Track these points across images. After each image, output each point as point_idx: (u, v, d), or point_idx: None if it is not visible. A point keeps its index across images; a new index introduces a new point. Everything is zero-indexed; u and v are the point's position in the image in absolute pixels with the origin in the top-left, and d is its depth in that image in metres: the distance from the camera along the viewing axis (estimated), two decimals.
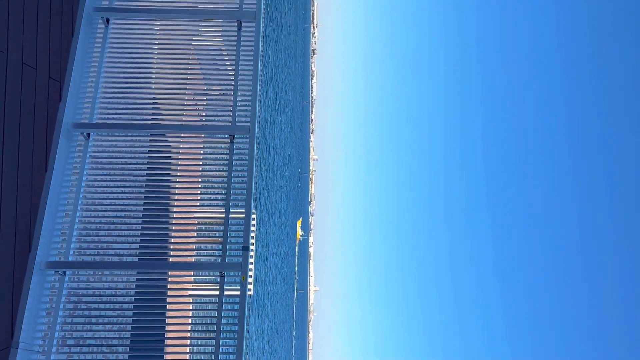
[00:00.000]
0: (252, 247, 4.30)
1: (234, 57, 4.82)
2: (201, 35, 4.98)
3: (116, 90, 4.59)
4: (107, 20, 4.67)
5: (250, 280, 4.17)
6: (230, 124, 4.59)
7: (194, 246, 4.47)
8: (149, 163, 4.56)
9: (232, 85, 4.71)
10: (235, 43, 4.86)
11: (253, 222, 4.38)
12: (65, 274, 4.03)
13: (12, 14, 3.53)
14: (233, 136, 4.52)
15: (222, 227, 4.34)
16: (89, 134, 4.35)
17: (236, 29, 4.88)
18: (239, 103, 4.63)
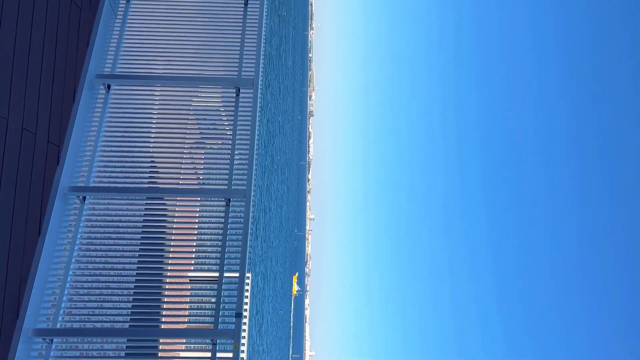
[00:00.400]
0: (245, 313, 4.22)
1: (231, 122, 4.92)
2: (200, 101, 5.10)
3: (114, 153, 4.64)
4: (109, 87, 4.79)
5: (243, 348, 4.06)
6: (226, 187, 4.62)
7: (186, 312, 4.38)
8: (143, 225, 4.56)
9: (229, 149, 4.78)
10: (233, 108, 4.97)
11: (247, 287, 4.32)
12: (52, 342, 3.92)
13: (14, 81, 3.62)
14: (229, 199, 4.54)
15: (215, 292, 4.27)
16: (84, 197, 4.36)
17: (235, 95, 5.01)
18: (235, 167, 4.68)
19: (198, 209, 4.76)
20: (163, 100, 4.98)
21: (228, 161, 4.72)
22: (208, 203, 4.69)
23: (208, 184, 4.82)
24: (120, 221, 4.49)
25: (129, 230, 4.48)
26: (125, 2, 5.26)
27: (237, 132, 4.84)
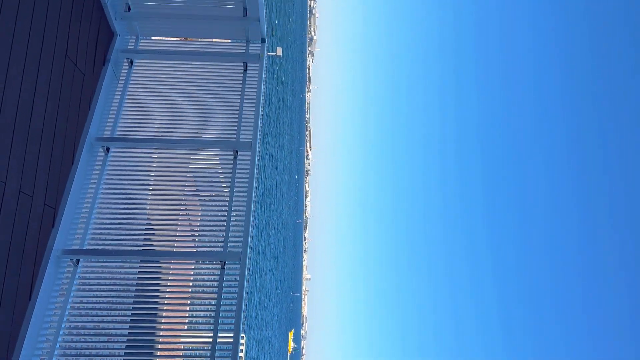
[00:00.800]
0: None
1: (229, 184, 4.95)
2: (198, 163, 5.15)
3: (110, 216, 4.63)
4: (108, 149, 4.85)
5: None
6: (222, 250, 4.58)
7: None
8: (137, 288, 4.48)
9: (226, 211, 4.77)
10: (230, 171, 5.01)
11: (241, 353, 4.20)
12: None
13: (15, 144, 3.66)
14: (224, 262, 4.49)
15: (208, 357, 4.15)
16: (77, 261, 4.31)
17: (232, 157, 5.06)
18: (231, 229, 4.66)
19: (192, 272, 4.70)
20: (161, 162, 5.03)
21: (224, 223, 4.71)
22: (203, 266, 4.64)
23: (203, 247, 4.78)
24: (114, 284, 4.42)
25: (122, 293, 4.40)
26: (127, 67, 5.41)
27: (234, 195, 4.85)
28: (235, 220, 4.71)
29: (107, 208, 4.66)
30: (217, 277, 4.48)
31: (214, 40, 5.90)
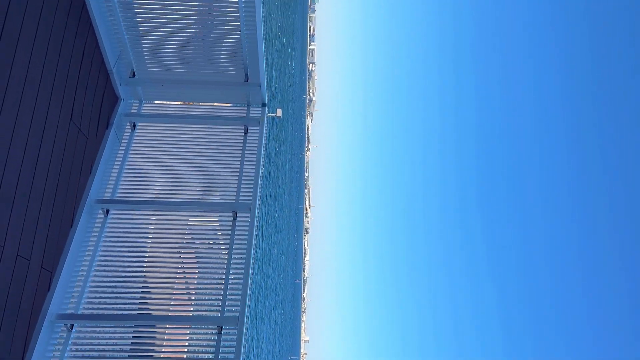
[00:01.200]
0: None
1: (227, 246, 4.92)
2: (196, 224, 5.15)
3: (106, 279, 4.59)
4: (107, 211, 4.86)
5: None
6: (219, 314, 4.50)
7: None
8: (131, 352, 4.39)
9: (223, 274, 4.72)
10: (229, 232, 5.00)
11: None
12: None
13: (15, 208, 3.68)
14: (221, 327, 4.40)
15: None
16: (72, 325, 4.22)
17: (232, 219, 5.06)
18: (229, 293, 4.59)
19: (188, 337, 4.60)
20: (160, 224, 5.03)
21: (222, 286, 4.65)
22: (200, 330, 4.55)
23: (200, 310, 4.70)
24: (107, 350, 4.32)
25: (116, 357, 4.30)
26: (130, 130, 5.52)
27: (233, 257, 4.82)
28: (233, 284, 4.65)
29: (104, 271, 4.62)
30: (213, 343, 4.38)
31: (215, 104, 6.05)
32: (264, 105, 5.85)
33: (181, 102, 6.14)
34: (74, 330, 4.25)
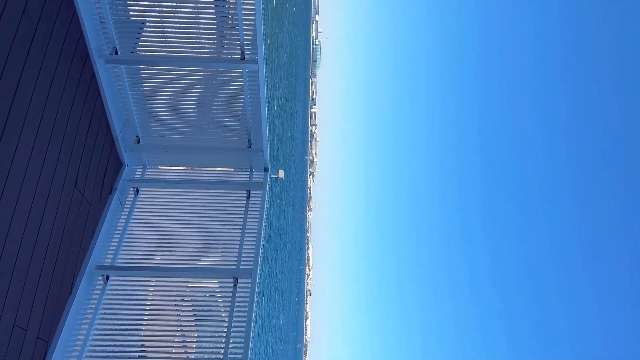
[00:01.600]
0: None
1: (228, 313, 4.82)
2: (197, 290, 5.07)
3: (103, 349, 4.47)
4: (107, 278, 4.80)
5: None
6: None
7: None
8: None
9: (223, 341, 4.60)
10: (230, 298, 4.91)
11: None
12: None
13: (14, 277, 3.64)
14: None
15: None
16: None
17: (232, 284, 4.99)
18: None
19: None
20: (160, 289, 4.95)
21: (222, 356, 4.52)
22: None
23: None
24: None
25: None
26: (133, 195, 5.55)
27: (233, 323, 4.72)
28: (233, 353, 4.52)
29: (102, 339, 4.51)
30: None
31: (218, 168, 6.12)
32: (266, 169, 5.91)
33: (184, 167, 6.21)
34: None
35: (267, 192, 5.74)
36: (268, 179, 5.85)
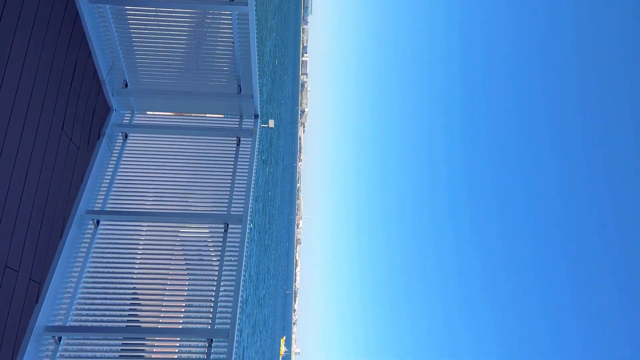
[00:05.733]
0: None
1: (218, 258, 4.89)
2: (187, 236, 5.11)
3: (96, 291, 4.54)
4: (97, 222, 4.82)
5: None
6: (209, 327, 4.46)
7: None
8: None
9: (214, 286, 4.69)
10: (221, 244, 4.97)
11: None
12: None
13: (4, 219, 3.64)
14: (211, 340, 4.36)
15: None
16: (60, 338, 4.17)
17: (223, 230, 5.04)
18: (219, 305, 4.56)
19: (177, 350, 4.55)
20: (150, 235, 4.99)
21: (212, 299, 4.61)
22: (190, 343, 4.50)
23: (190, 323, 4.65)
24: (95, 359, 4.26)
25: None
26: (122, 140, 5.49)
27: (224, 269, 4.79)
28: (224, 296, 4.62)
29: (94, 283, 4.57)
30: (204, 356, 4.33)
31: (208, 115, 6.04)
32: (256, 116, 5.85)
33: (173, 113, 6.12)
34: (62, 342, 4.19)
35: (257, 140, 5.71)
36: (258, 126, 5.80)
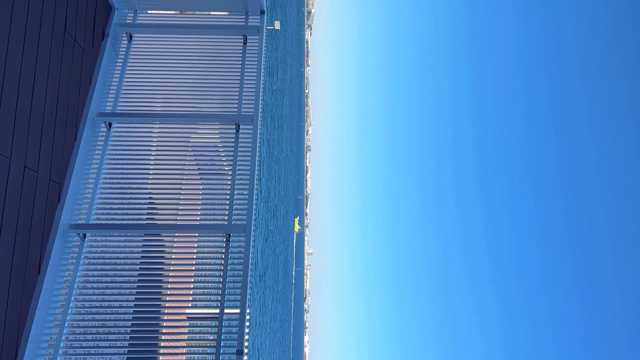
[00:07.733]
0: (246, 350, 4.16)
1: (231, 157, 4.95)
2: (199, 136, 5.15)
3: (114, 191, 4.66)
4: (110, 125, 4.85)
5: None
6: (226, 222, 4.62)
7: (185, 350, 4.32)
8: (142, 262, 4.53)
9: (229, 184, 4.79)
10: (233, 144, 5.01)
11: (247, 324, 4.27)
12: None
13: (18, 120, 3.67)
14: (229, 235, 4.53)
15: (215, 330, 4.21)
16: (84, 235, 4.35)
17: (234, 131, 5.06)
18: (235, 202, 4.68)
19: (196, 245, 4.74)
20: (163, 136, 5.03)
21: (228, 196, 4.73)
22: (207, 239, 4.68)
23: (207, 220, 4.81)
24: (119, 258, 4.47)
25: (127, 267, 4.45)
26: (127, 41, 5.37)
27: (237, 168, 4.87)
28: (239, 193, 4.73)
29: (111, 183, 4.69)
30: (222, 250, 4.52)
31: (212, 12, 5.83)
32: (262, 13, 5.64)
33: (176, 12, 5.92)
34: (86, 239, 4.39)
35: (264, 37, 5.55)
36: (265, 23, 5.61)
